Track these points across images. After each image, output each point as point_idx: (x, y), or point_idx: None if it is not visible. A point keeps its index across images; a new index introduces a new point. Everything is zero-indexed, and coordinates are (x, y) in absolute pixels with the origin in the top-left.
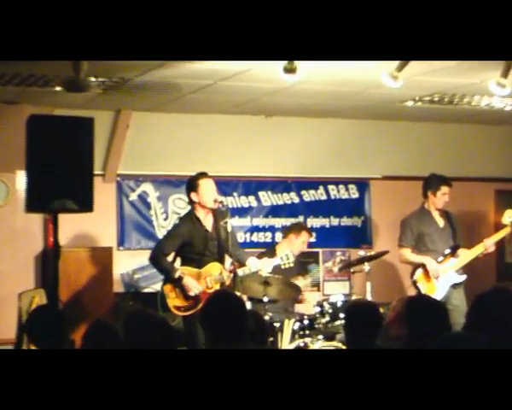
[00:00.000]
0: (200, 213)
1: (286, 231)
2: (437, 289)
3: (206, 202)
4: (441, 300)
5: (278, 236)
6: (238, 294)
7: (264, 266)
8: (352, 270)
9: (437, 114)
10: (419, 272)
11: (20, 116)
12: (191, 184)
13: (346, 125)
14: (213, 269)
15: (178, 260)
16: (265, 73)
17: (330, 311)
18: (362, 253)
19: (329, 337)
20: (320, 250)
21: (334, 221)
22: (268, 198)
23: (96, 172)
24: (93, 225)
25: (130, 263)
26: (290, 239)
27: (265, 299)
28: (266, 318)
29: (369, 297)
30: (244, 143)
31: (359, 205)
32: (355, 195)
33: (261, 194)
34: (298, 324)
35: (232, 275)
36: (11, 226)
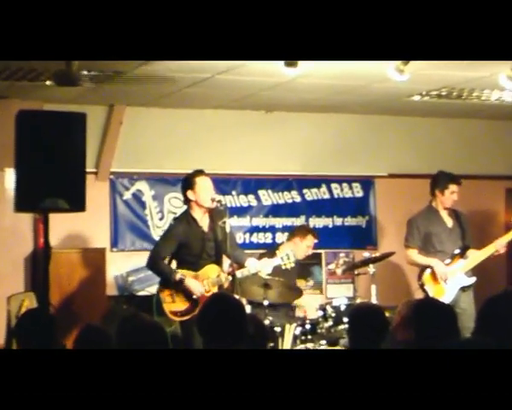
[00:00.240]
0: (196, 212)
1: (291, 233)
2: (445, 292)
3: (202, 200)
4: (450, 303)
5: (279, 236)
6: (237, 297)
7: (264, 267)
8: (356, 272)
9: (445, 109)
10: (426, 274)
11: (8, 111)
12: (187, 183)
13: (349, 121)
14: (211, 271)
15: (174, 263)
16: (265, 67)
17: (333, 315)
18: (366, 254)
19: (332, 343)
20: (323, 251)
21: (338, 221)
22: (268, 197)
23: (88, 169)
24: (85, 226)
25: (124, 265)
26: (295, 242)
27: (265, 302)
28: (266, 322)
29: (374, 301)
30: (243, 140)
31: (364, 204)
32: (359, 193)
33: (261, 192)
34: (299, 328)
35: (231, 277)
36: None
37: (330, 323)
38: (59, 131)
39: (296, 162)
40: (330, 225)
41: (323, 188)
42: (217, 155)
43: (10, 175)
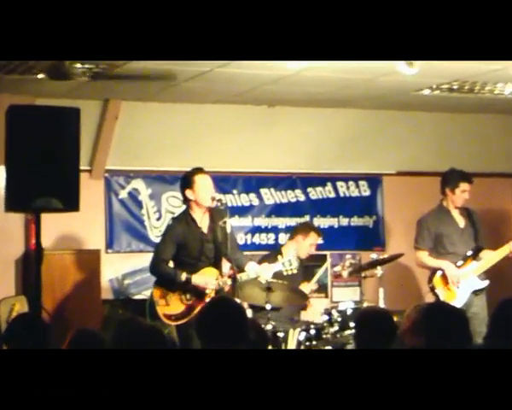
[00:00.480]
0: (195, 212)
1: (293, 231)
2: (457, 296)
3: (202, 199)
4: (461, 307)
5: (282, 237)
6: (238, 301)
7: (264, 272)
8: (362, 274)
9: (456, 104)
10: (437, 276)
11: None
12: (186, 181)
13: (355, 116)
14: (208, 275)
15: (171, 265)
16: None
17: (339, 319)
18: (374, 256)
19: (338, 348)
20: (328, 253)
21: (344, 221)
22: (271, 196)
23: (82, 167)
24: (79, 226)
25: (119, 267)
26: (297, 241)
27: (268, 306)
28: (269, 327)
29: (381, 304)
30: (245, 136)
31: (371, 203)
32: (366, 192)
33: (263, 191)
34: (304, 333)
35: (231, 280)
36: None
37: (336, 328)
38: (51, 127)
39: (300, 159)
40: (336, 226)
41: (329, 186)
42: (217, 152)
43: (0, 173)
